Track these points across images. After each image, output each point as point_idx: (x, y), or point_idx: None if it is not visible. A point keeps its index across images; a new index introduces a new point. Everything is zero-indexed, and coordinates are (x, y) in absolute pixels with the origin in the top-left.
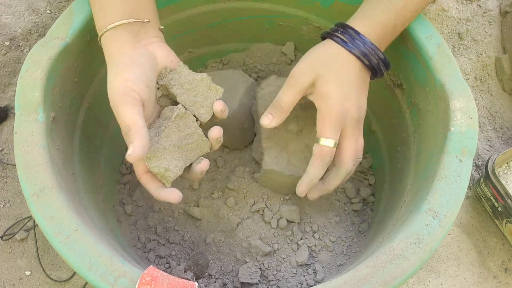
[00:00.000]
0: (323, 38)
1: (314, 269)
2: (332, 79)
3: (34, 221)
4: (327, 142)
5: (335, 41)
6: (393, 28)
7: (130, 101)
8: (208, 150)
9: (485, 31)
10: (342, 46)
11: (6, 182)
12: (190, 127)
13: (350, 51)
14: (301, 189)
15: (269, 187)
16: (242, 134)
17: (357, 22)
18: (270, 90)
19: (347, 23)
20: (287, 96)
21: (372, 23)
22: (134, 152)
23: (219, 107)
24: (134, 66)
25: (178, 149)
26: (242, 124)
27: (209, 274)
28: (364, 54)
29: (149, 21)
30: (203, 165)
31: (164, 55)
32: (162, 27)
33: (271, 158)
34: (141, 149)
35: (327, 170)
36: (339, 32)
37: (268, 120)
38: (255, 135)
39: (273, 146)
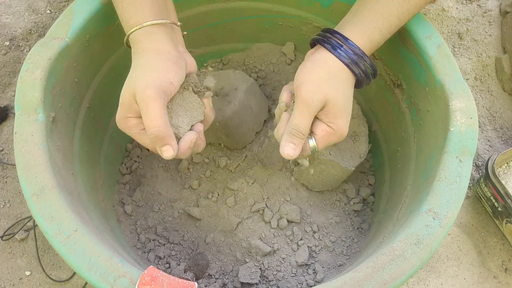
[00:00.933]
0: (313, 45)
1: (314, 269)
2: (341, 101)
3: (34, 221)
4: (315, 148)
5: (329, 50)
6: (380, 35)
7: (162, 97)
8: (204, 111)
9: (485, 31)
10: (339, 59)
11: (6, 182)
12: (191, 95)
13: (346, 65)
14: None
15: (311, 182)
16: (242, 134)
17: (347, 30)
18: None
19: (338, 29)
20: (305, 120)
21: (362, 33)
22: (173, 152)
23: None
24: (176, 66)
25: (181, 108)
26: (242, 124)
27: (209, 274)
28: (355, 64)
29: (180, 25)
30: (192, 134)
31: (192, 63)
32: (186, 32)
33: (327, 151)
34: (176, 148)
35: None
36: (334, 41)
37: (292, 150)
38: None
39: None
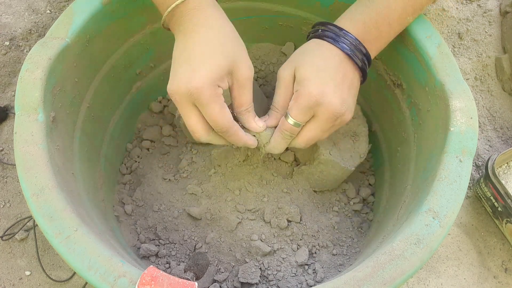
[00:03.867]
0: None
1: (314, 269)
2: (309, 67)
3: (34, 221)
4: (289, 120)
5: (316, 36)
6: (376, 28)
7: (220, 95)
8: None
9: (485, 31)
10: (323, 39)
11: (6, 182)
12: None
13: (330, 42)
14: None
15: (311, 182)
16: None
17: (338, 21)
18: None
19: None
20: (278, 94)
21: (352, 21)
22: (253, 143)
23: None
24: (240, 41)
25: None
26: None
27: (214, 280)
28: (346, 46)
29: None
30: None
31: None
32: None
33: (327, 151)
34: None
35: None
36: (320, 29)
37: (261, 122)
38: None
39: (327, 141)
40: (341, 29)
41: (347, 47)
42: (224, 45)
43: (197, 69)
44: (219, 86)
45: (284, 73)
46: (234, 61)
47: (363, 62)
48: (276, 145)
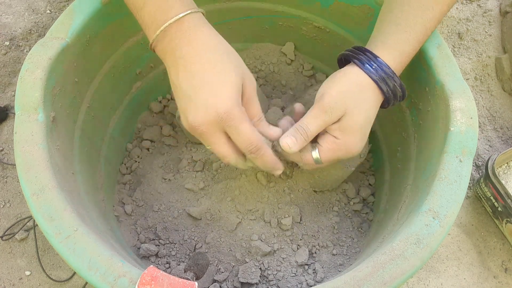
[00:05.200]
0: (340, 60)
1: (314, 269)
2: (360, 119)
3: (34, 221)
4: (315, 156)
5: (359, 65)
6: (413, 54)
7: (245, 113)
8: None
9: (485, 31)
10: (368, 75)
11: (6, 182)
12: None
13: (375, 81)
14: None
15: (311, 182)
16: None
17: (377, 47)
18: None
19: (368, 47)
20: (316, 126)
21: (393, 53)
22: (280, 167)
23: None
24: (242, 63)
25: None
26: None
27: (214, 280)
28: (383, 81)
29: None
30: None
31: None
32: None
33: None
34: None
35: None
36: (363, 57)
37: (292, 144)
38: None
39: None
40: (388, 66)
41: (389, 90)
42: (231, 63)
43: (219, 93)
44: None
45: (335, 113)
46: (242, 75)
47: (394, 93)
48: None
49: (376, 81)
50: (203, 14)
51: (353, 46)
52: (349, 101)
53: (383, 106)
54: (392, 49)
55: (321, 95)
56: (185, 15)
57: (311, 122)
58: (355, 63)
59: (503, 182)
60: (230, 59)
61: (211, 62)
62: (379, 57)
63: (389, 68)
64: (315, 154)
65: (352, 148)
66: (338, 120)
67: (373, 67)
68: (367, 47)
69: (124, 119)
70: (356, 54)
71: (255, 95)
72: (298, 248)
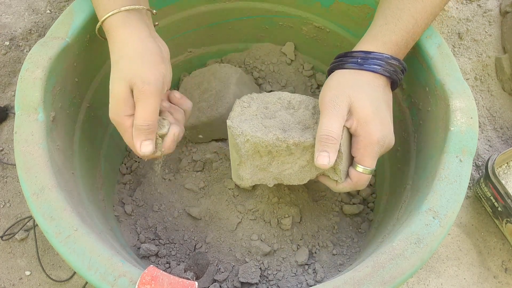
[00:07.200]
0: (330, 72)
1: (314, 269)
2: (367, 103)
3: (34, 221)
4: (366, 171)
5: (350, 68)
6: (406, 46)
7: (159, 94)
8: None
9: (485, 31)
10: (359, 69)
11: (6, 182)
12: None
13: (369, 70)
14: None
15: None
16: None
17: (368, 44)
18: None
19: (356, 48)
20: (333, 122)
21: (384, 44)
22: (152, 148)
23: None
24: (162, 59)
25: None
26: None
27: (214, 279)
28: (383, 69)
29: (156, 13)
30: (176, 128)
31: (168, 51)
32: (157, 23)
33: None
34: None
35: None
36: (349, 60)
37: (326, 159)
38: None
39: None
40: (369, 52)
41: (387, 73)
42: (120, 70)
43: (110, 102)
44: None
45: (341, 104)
46: (129, 81)
47: (396, 75)
48: (343, 191)
49: (363, 66)
50: (139, 10)
51: (338, 55)
52: (347, 89)
53: (395, 83)
54: (375, 40)
55: (321, 99)
56: (106, 18)
57: (328, 124)
58: (353, 68)
59: (503, 182)
60: (120, 66)
61: (112, 70)
62: (360, 50)
63: (370, 53)
64: (360, 168)
65: (378, 136)
66: (351, 115)
67: (358, 61)
68: (359, 47)
69: None
70: (340, 63)
71: (145, 96)
72: (298, 248)
